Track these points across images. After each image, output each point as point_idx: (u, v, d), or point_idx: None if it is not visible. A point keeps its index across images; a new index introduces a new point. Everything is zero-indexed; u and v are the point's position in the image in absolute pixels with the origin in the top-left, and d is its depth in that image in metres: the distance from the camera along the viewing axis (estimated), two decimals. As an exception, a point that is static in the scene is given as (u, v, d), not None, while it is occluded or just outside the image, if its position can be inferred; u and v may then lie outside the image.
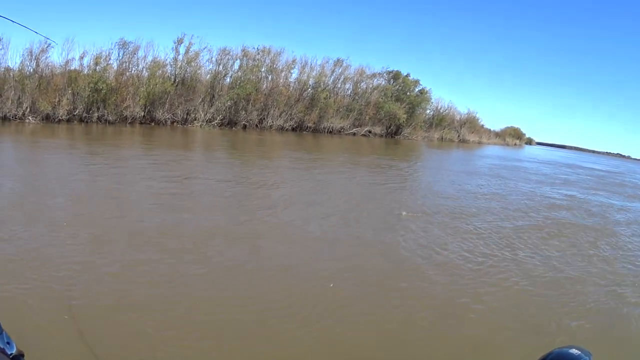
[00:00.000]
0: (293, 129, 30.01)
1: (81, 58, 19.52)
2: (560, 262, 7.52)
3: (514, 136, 69.38)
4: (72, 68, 19.04)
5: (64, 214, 6.61)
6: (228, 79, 27.08)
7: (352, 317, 4.69)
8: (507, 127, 68.39)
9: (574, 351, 2.06)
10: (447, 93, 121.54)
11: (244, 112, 26.75)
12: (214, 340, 3.96)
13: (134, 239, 5.90)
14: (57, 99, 16.90)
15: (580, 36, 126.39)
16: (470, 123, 52.59)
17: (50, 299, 4.11)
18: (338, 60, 34.48)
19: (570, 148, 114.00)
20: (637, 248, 9.61)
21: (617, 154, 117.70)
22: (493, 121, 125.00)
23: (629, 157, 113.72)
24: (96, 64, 19.79)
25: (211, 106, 24.74)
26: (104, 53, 20.39)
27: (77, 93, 17.99)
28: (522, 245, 8.33)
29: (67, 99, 17.45)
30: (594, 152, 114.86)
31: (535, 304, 5.71)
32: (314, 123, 31.24)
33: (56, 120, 16.68)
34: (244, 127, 26.81)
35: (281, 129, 29.00)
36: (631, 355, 4.89)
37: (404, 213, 9.41)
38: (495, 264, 6.93)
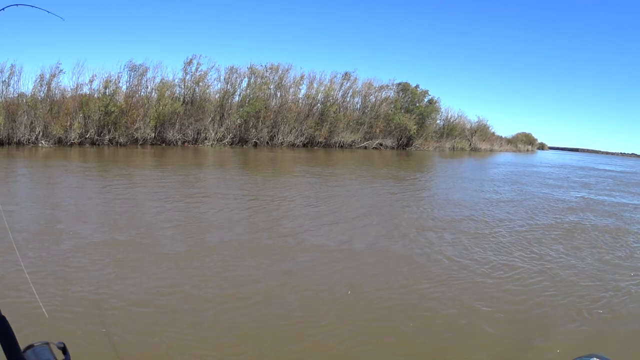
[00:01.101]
0: (304, 145, 29.98)
1: (91, 82, 19.71)
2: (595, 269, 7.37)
3: (525, 142, 69.00)
4: (83, 92, 19.24)
5: (96, 238, 6.67)
6: (237, 97, 27.15)
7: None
8: (519, 133, 68.14)
9: None
10: (457, 102, 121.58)
11: (254, 130, 26.76)
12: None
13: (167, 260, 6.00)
14: (68, 123, 17.05)
15: (586, 35, 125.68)
16: (481, 131, 52.38)
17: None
18: (346, 73, 34.56)
19: (584, 151, 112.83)
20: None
21: (632, 154, 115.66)
22: (504, 128, 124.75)
23: None
24: (105, 87, 20.01)
25: (221, 125, 24.77)
26: (113, 76, 20.62)
27: (88, 116, 18.11)
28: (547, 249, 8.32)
29: (79, 122, 17.57)
30: (607, 153, 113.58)
31: (562, 311, 5.56)
32: (325, 138, 31.22)
33: (68, 143, 16.81)
34: (255, 144, 26.82)
35: (292, 145, 28.97)
36: None
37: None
38: (520, 272, 6.85)
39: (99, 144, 18.14)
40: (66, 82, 22.14)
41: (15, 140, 16.01)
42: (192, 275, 5.50)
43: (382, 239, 8.26)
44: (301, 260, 6.61)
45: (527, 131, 72.97)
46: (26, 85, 22.28)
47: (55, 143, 16.32)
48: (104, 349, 3.71)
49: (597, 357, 2.06)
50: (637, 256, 8.57)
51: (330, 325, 4.60)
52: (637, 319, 5.57)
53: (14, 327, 1.13)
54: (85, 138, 17.69)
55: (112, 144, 18.69)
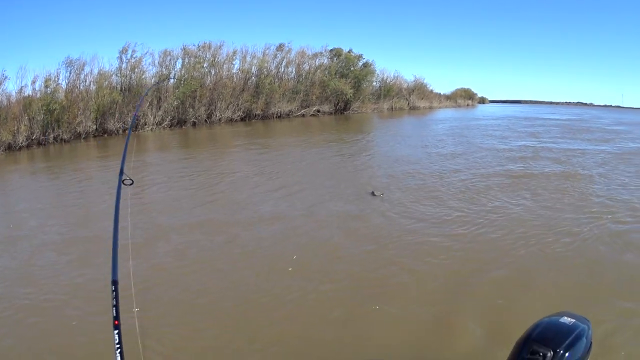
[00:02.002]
0: (242, 119, 32.12)
1: (33, 83, 21.37)
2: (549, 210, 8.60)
3: (465, 97, 71.03)
4: (26, 94, 20.91)
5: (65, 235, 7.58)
6: (172, 80, 28.91)
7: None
8: (458, 89, 70.17)
9: (567, 320, 2.18)
10: (393, 63, 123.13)
11: (191, 110, 28.80)
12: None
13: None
14: (15, 127, 18.63)
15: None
16: (419, 89, 54.65)
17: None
18: (280, 45, 36.54)
19: (527, 102, 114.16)
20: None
21: (578, 102, 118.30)
22: (443, 85, 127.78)
23: (591, 104, 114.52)
24: (46, 86, 21.72)
25: (159, 109, 26.76)
26: (52, 74, 22.35)
27: (33, 118, 19.86)
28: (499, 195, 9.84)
29: (25, 125, 19.27)
30: (551, 103, 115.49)
31: (516, 255, 6.35)
32: (262, 110, 33.33)
33: (17, 147, 18.35)
34: (194, 124, 28.93)
35: (230, 120, 31.12)
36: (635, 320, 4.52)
37: (376, 193, 9.66)
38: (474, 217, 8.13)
39: (45, 144, 19.84)
40: (11, 87, 23.54)
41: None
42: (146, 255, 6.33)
43: (331, 201, 9.26)
44: (249, 230, 7.47)
45: (467, 86, 74.89)
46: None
47: (5, 149, 17.70)
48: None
49: (567, 315, 2.23)
50: (590, 199, 9.63)
51: (276, 288, 5.35)
52: (593, 265, 6.06)
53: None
54: (32, 140, 19.36)
55: (57, 141, 20.50)
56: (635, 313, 4.69)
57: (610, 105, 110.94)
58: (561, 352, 1.98)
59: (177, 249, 6.79)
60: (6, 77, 20.24)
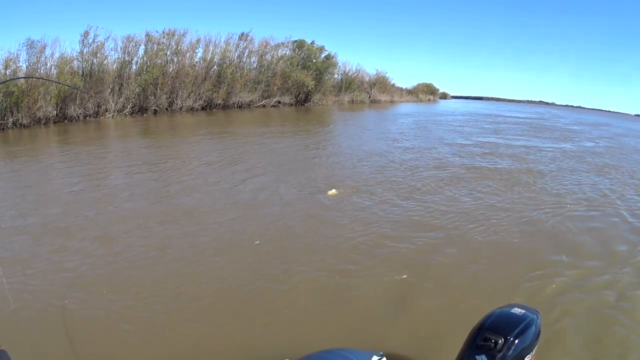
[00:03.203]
0: (203, 108, 32.44)
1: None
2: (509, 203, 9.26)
3: (427, 92, 72.74)
4: (-18, 76, 20.58)
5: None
6: (134, 66, 29.03)
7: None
8: (420, 84, 71.80)
9: (517, 310, 2.42)
10: (355, 57, 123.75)
11: (153, 97, 28.98)
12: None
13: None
14: (-30, 110, 18.26)
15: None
16: (381, 83, 55.81)
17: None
18: (242, 34, 36.77)
19: (489, 99, 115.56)
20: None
21: (540, 101, 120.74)
22: (405, 79, 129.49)
23: (553, 104, 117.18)
24: (6, 67, 21.49)
25: (120, 96, 26.84)
26: (12, 55, 22.07)
27: (-10, 101, 19.63)
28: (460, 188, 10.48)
29: (-19, 108, 19.02)
30: (513, 101, 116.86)
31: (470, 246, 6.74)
32: (223, 99, 33.70)
33: (-28, 131, 17.98)
34: (155, 112, 29.11)
35: (191, 109, 31.41)
36: (579, 311, 4.83)
37: (330, 191, 9.43)
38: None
39: (3, 129, 19.73)
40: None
41: None
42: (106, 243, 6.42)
43: (293, 193, 9.50)
44: (210, 219, 7.64)
45: (429, 81, 77.04)
46: None
47: None
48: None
49: (518, 307, 2.47)
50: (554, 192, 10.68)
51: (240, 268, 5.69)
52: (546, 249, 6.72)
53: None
54: (-11, 124, 19.09)
55: (15, 126, 20.42)
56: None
57: (572, 106, 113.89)
58: (511, 339, 2.19)
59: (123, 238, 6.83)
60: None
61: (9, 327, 4.20)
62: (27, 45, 23.20)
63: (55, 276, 5.37)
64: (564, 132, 28.68)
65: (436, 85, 79.12)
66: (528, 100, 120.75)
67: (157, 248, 6.33)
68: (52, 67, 24.05)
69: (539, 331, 2.37)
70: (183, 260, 5.95)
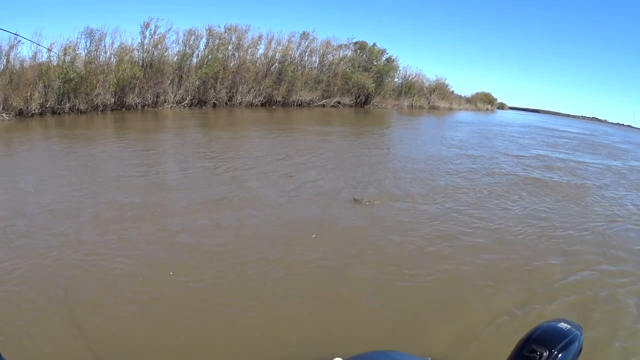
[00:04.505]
0: (262, 104, 31.11)
1: (49, 50, 20.14)
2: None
3: (485, 101, 69.44)
4: (42, 60, 19.80)
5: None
6: (195, 59, 27.89)
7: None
8: (478, 93, 68.61)
9: (564, 325, 2.35)
10: (415, 61, 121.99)
11: (212, 91, 27.76)
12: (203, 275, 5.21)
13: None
14: (29, 93, 17.62)
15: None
16: (440, 89, 53.39)
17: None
18: (304, 33, 35.28)
19: (544, 112, 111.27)
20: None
21: (593, 117, 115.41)
22: (463, 87, 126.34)
23: (605, 121, 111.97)
24: (65, 54, 20.61)
25: (180, 87, 25.72)
26: (71, 43, 21.20)
27: (49, 85, 18.81)
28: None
29: (39, 92, 18.25)
30: (568, 115, 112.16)
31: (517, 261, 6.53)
32: (283, 97, 32.33)
33: (30, 114, 17.42)
34: (214, 105, 27.91)
35: (251, 104, 30.10)
36: (624, 329, 4.77)
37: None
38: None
39: (59, 113, 18.89)
40: (25, 52, 22.43)
41: (-27, 115, 16.42)
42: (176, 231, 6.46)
43: (356, 192, 9.34)
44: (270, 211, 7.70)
45: (487, 90, 73.84)
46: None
47: (16, 115, 16.82)
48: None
49: (565, 322, 2.37)
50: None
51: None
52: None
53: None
54: (46, 107, 18.44)
55: (72, 111, 19.53)
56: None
57: (622, 124, 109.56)
58: (555, 352, 2.18)
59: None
60: (19, 40, 18.98)
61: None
62: (86, 34, 22.39)
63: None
64: (612, 150, 27.46)
65: (494, 95, 76.28)
66: (582, 116, 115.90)
67: (225, 235, 6.50)
68: (112, 55, 23.03)
69: (581, 347, 2.32)
70: (247, 249, 6.07)
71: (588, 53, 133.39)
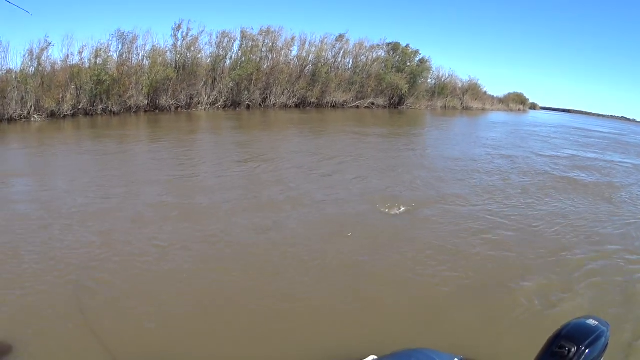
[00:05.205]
0: (296, 106, 30.27)
1: (81, 52, 19.64)
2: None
3: (517, 102, 68.07)
4: (73, 63, 19.20)
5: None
6: (228, 61, 27.10)
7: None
8: (510, 93, 67.21)
9: (592, 322, 2.48)
10: (447, 61, 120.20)
11: (246, 93, 26.97)
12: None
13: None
14: (60, 95, 17.12)
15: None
16: (473, 90, 52.18)
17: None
18: (340, 36, 34.46)
19: (575, 112, 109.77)
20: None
21: (622, 117, 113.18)
22: (495, 87, 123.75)
23: (634, 120, 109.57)
24: (96, 56, 19.96)
25: (213, 89, 24.97)
26: (103, 45, 20.56)
27: (80, 87, 18.22)
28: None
29: (71, 94, 17.68)
30: (599, 115, 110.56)
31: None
32: (317, 98, 31.48)
33: (61, 116, 16.96)
34: (248, 107, 27.10)
35: (285, 106, 29.28)
36: None
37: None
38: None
39: (92, 114, 18.34)
40: (56, 55, 22.04)
41: (6, 117, 15.98)
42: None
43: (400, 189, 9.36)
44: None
45: (519, 90, 71.88)
46: (14, 60, 22.21)
47: (48, 116, 16.45)
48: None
49: (593, 319, 2.52)
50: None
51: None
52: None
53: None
54: (78, 109, 17.89)
55: (105, 113, 18.95)
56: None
57: None
58: (583, 348, 2.32)
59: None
60: (50, 43, 18.40)
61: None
62: (117, 36, 21.73)
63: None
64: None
65: (526, 95, 74.56)
66: (611, 116, 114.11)
67: (257, 231, 6.40)
68: (144, 58, 22.34)
69: (607, 343, 2.44)
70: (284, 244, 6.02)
71: (617, 50, 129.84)
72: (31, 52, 17.81)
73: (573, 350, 2.28)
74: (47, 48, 18.29)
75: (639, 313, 4.96)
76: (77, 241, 5.59)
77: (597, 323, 2.48)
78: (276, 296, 4.66)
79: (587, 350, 2.30)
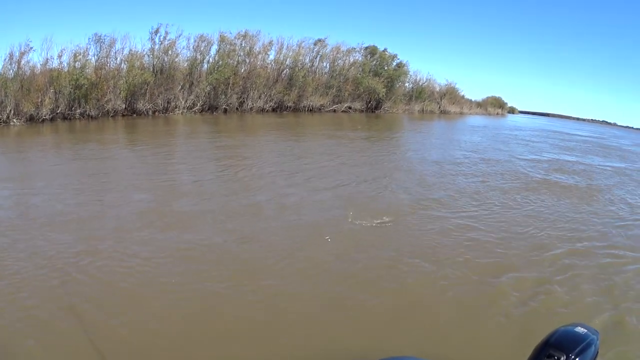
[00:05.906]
0: (273, 110, 30.87)
1: (59, 56, 20.08)
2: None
3: (496, 105, 69.00)
4: (52, 67, 19.68)
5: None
6: (205, 65, 27.68)
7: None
8: (489, 97, 68.06)
9: (580, 329, 2.38)
10: (426, 66, 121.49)
11: (223, 97, 27.56)
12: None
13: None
14: (39, 99, 17.54)
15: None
16: (450, 94, 52.97)
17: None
18: (319, 40, 35.34)
19: (554, 116, 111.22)
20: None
21: (603, 121, 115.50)
22: (473, 91, 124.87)
23: (614, 124, 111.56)
24: (75, 60, 20.43)
25: (191, 93, 25.52)
26: (81, 49, 21.03)
27: (59, 91, 18.69)
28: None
29: (50, 98, 18.16)
30: (578, 119, 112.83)
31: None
32: (294, 102, 32.10)
33: (40, 120, 17.34)
34: (225, 111, 27.69)
35: (262, 110, 29.87)
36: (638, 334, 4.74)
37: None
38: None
39: (70, 119, 18.79)
40: (36, 59, 22.33)
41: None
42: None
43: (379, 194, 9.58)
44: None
45: (497, 94, 72.90)
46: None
47: (27, 120, 16.78)
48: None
49: (581, 327, 2.40)
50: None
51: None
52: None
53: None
54: (57, 113, 18.34)
55: (83, 117, 19.41)
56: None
57: (632, 127, 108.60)
58: (572, 356, 2.18)
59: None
60: (31, 47, 18.90)
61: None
62: (95, 40, 22.17)
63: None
64: (624, 152, 27.74)
65: (504, 99, 75.59)
66: (592, 119, 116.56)
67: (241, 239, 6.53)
68: (122, 61, 22.81)
69: (597, 351, 2.34)
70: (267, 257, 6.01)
71: (597, 55, 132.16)
72: (11, 56, 18.29)
73: (562, 358, 2.20)
74: (27, 52, 18.81)
75: (623, 315, 5.01)
76: (60, 245, 5.76)
77: (586, 331, 2.40)
78: (259, 303, 4.76)
79: (577, 359, 2.22)
